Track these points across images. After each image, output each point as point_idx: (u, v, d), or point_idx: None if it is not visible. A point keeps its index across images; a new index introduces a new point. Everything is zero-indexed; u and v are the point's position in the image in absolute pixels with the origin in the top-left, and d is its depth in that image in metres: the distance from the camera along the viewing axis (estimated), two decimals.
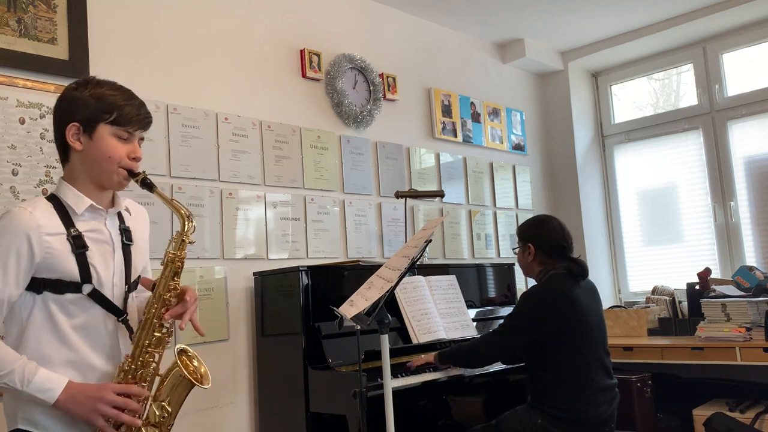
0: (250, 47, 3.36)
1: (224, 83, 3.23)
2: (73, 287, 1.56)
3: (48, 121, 2.58)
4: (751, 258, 4.58)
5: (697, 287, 3.95)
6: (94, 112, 1.59)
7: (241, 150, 3.23)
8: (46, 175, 2.56)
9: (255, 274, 3.12)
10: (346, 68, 3.75)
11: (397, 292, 3.05)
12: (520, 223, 3.00)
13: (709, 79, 4.82)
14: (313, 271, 2.92)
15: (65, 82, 2.61)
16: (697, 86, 4.88)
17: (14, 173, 2.48)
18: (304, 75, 3.57)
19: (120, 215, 1.72)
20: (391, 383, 2.12)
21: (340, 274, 3.05)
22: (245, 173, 3.23)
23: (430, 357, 2.85)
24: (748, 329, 3.49)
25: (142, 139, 1.68)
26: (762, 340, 3.40)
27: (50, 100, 2.59)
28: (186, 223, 1.65)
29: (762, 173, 4.57)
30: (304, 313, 2.83)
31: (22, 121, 2.52)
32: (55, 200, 1.61)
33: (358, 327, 2.09)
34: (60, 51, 2.65)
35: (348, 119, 3.73)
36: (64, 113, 1.62)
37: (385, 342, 2.11)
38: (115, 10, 2.88)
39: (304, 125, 3.54)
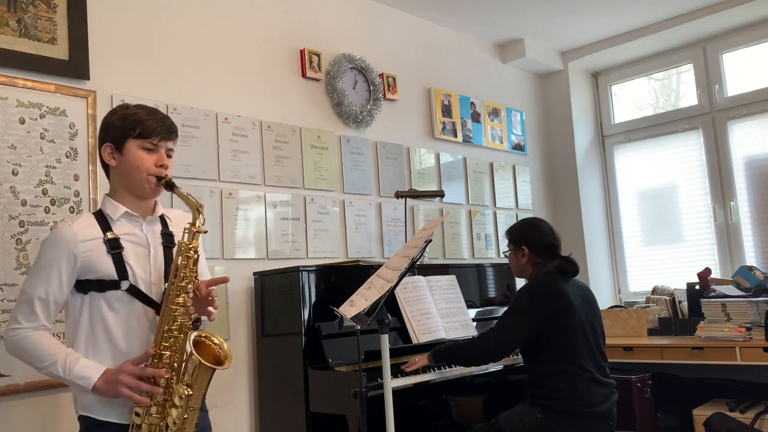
0: (250, 47, 3.36)
1: (224, 83, 3.23)
2: (113, 285, 1.74)
3: (48, 121, 2.59)
4: (751, 258, 4.58)
5: (697, 287, 3.95)
6: (122, 131, 1.80)
7: (241, 150, 3.23)
8: (46, 175, 2.56)
9: (255, 274, 3.12)
10: (346, 68, 3.75)
11: (397, 292, 3.05)
12: (508, 227, 3.03)
13: (709, 79, 4.82)
14: (313, 271, 2.92)
15: (65, 82, 2.64)
16: (697, 86, 4.88)
17: (14, 173, 2.48)
18: (304, 75, 3.57)
19: (163, 221, 1.90)
20: (391, 383, 2.12)
21: (340, 274, 3.05)
22: (245, 173, 3.23)
23: (423, 359, 2.83)
24: (748, 329, 3.49)
25: (171, 149, 1.87)
26: (762, 340, 3.40)
27: (50, 100, 2.60)
28: (196, 214, 1.79)
29: (762, 173, 4.57)
30: (304, 313, 2.83)
31: (22, 121, 2.52)
32: (98, 213, 1.83)
33: (358, 327, 2.09)
34: (60, 51, 2.65)
35: (348, 119, 3.73)
36: (101, 137, 1.85)
37: (385, 342, 2.12)
38: (115, 10, 2.88)
39: (304, 125, 3.54)
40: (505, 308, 3.65)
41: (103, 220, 1.79)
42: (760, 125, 4.60)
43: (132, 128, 1.78)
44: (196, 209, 1.79)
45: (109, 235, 1.76)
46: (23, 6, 2.57)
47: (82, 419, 1.76)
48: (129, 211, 1.81)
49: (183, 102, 3.04)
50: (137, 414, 1.70)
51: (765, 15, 4.50)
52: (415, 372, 2.83)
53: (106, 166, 1.86)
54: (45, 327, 1.73)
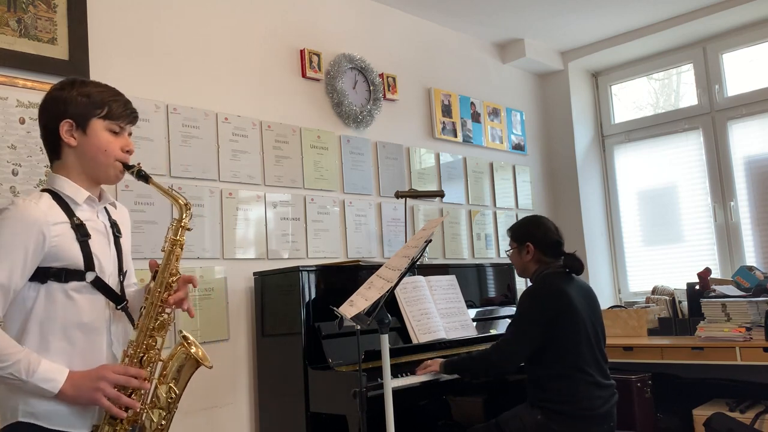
0: (250, 47, 3.36)
1: (224, 83, 3.23)
2: (78, 275, 1.60)
3: None
4: (751, 258, 4.58)
5: (697, 287, 3.95)
6: (86, 109, 1.65)
7: (241, 150, 3.23)
8: (46, 175, 2.56)
9: (255, 274, 3.12)
10: (346, 68, 3.75)
11: (397, 292, 3.05)
12: (511, 225, 3.02)
13: (709, 79, 4.82)
14: (313, 271, 2.92)
15: None
16: (697, 86, 4.88)
17: (14, 173, 2.48)
18: (304, 75, 3.57)
19: (106, 209, 1.77)
20: (391, 383, 2.12)
21: (340, 274, 3.05)
22: (245, 173, 3.23)
23: (435, 366, 2.81)
24: (748, 329, 3.49)
25: (130, 134, 1.74)
26: (762, 340, 3.40)
27: None
28: (184, 211, 1.70)
29: (762, 173, 4.57)
30: (304, 313, 2.83)
31: (22, 121, 2.52)
32: (51, 192, 1.64)
33: (358, 327, 2.09)
34: (60, 51, 2.65)
35: (348, 119, 3.73)
36: (54, 112, 1.65)
37: (385, 342, 2.12)
38: (115, 10, 2.88)
39: (304, 125, 3.54)
40: (505, 308, 3.66)
41: (63, 202, 1.62)
42: (760, 125, 4.60)
43: (99, 107, 1.64)
44: (184, 206, 1.69)
45: (76, 220, 1.61)
46: (23, 6, 2.57)
47: (24, 428, 1.54)
48: (91, 195, 1.67)
49: (183, 102, 3.04)
50: (113, 418, 1.60)
51: (765, 15, 4.50)
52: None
53: (56, 144, 1.66)
54: None
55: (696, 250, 4.82)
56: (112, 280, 1.68)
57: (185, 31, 3.11)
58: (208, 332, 2.94)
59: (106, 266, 1.66)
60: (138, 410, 1.63)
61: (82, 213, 1.64)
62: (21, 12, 2.57)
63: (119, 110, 1.67)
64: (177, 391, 1.69)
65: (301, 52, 3.58)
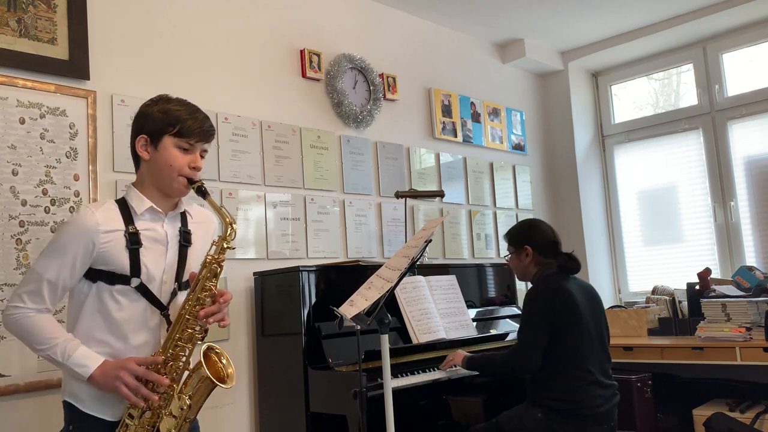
0: (250, 47, 3.36)
1: (224, 83, 3.23)
2: (123, 279, 1.73)
3: (48, 121, 2.59)
4: (751, 258, 4.58)
5: (697, 287, 3.95)
6: (160, 125, 1.78)
7: (241, 150, 3.23)
8: (46, 175, 2.56)
9: (255, 274, 3.12)
10: (346, 68, 3.75)
11: (397, 292, 3.05)
12: (507, 230, 3.02)
13: (709, 79, 4.82)
14: (313, 271, 2.92)
15: (65, 82, 2.64)
16: (697, 86, 4.88)
17: (14, 173, 2.48)
18: (304, 75, 3.57)
19: (184, 218, 1.88)
20: (391, 383, 2.12)
21: (340, 274, 3.05)
22: (245, 173, 3.23)
23: (458, 359, 2.83)
24: (748, 329, 3.50)
25: (205, 150, 1.85)
26: (762, 340, 3.41)
27: (50, 100, 2.60)
28: (228, 229, 1.78)
29: (762, 173, 4.57)
30: (304, 313, 2.83)
31: (22, 121, 2.52)
32: (121, 202, 1.80)
33: (358, 327, 2.09)
34: (60, 51, 2.65)
35: (348, 119, 3.73)
36: (136, 126, 1.82)
37: (385, 342, 2.12)
38: (115, 10, 2.88)
39: (304, 125, 3.54)
40: (506, 308, 3.67)
41: (126, 211, 1.77)
42: (760, 125, 4.60)
43: (172, 124, 1.76)
44: (230, 224, 1.77)
45: (131, 229, 1.74)
46: (23, 6, 2.57)
47: (68, 406, 1.76)
48: (154, 206, 1.79)
49: None
50: (131, 416, 1.70)
51: (765, 15, 4.50)
52: (424, 370, 2.86)
53: (136, 157, 1.83)
54: (48, 310, 1.72)
55: (696, 250, 4.82)
56: (165, 287, 1.79)
57: (185, 31, 3.11)
58: (208, 332, 2.93)
59: (155, 274, 1.77)
60: (156, 401, 1.69)
61: (142, 222, 1.78)
62: (21, 12, 2.57)
63: (191, 128, 1.78)
64: (189, 403, 1.72)
65: (301, 52, 3.58)
